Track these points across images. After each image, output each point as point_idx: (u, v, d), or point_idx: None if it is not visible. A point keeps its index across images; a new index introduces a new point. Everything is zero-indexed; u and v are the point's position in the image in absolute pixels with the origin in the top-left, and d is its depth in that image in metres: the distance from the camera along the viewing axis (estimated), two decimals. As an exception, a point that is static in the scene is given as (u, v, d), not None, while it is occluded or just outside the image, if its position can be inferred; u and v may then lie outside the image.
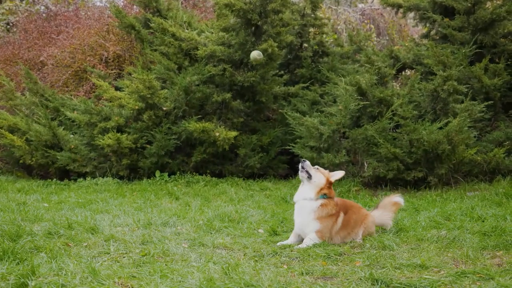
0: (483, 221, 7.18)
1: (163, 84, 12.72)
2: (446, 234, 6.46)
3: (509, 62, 12.16)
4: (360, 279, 4.82)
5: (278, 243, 6.45)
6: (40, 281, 4.62)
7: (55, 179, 12.25)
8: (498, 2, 12.60)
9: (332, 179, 6.68)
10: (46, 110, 13.02)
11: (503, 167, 10.39)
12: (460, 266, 5.17)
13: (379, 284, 4.66)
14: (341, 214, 6.62)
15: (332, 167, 10.64)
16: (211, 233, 6.89)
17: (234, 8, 11.87)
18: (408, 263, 5.28)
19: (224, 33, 12.57)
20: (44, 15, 19.04)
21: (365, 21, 21.33)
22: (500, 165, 10.40)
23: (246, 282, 4.57)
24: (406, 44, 13.97)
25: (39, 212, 7.99)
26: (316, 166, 6.80)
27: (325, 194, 6.55)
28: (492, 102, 11.39)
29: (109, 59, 14.90)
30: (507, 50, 12.22)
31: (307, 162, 6.67)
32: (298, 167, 6.73)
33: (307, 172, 6.60)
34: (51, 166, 12.63)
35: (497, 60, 12.19)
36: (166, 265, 5.29)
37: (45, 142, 12.51)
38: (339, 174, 6.80)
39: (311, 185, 6.57)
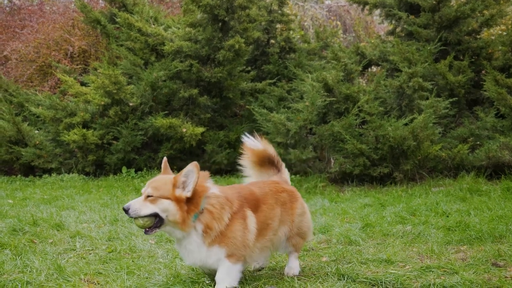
0: (447, 216, 7.26)
1: (129, 80, 12.65)
2: (411, 229, 6.52)
3: (473, 60, 12.33)
4: (327, 274, 4.84)
5: None
6: (4, 279, 4.56)
7: (19, 175, 12.12)
8: (462, 0, 12.76)
9: (185, 193, 4.50)
10: (10, 105, 12.85)
11: (467, 163, 10.51)
12: (425, 261, 5.22)
13: (345, 279, 4.69)
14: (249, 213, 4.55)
15: (299, 163, 10.67)
16: (178, 229, 6.86)
17: (201, 4, 11.83)
18: (374, 258, 5.32)
19: (191, 29, 12.53)
20: (7, 9, 18.79)
21: (332, 18, 21.42)
22: (464, 161, 10.51)
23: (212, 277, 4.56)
24: (372, 41, 14.08)
25: (3, 208, 7.89)
26: (147, 192, 4.35)
27: (195, 213, 4.35)
28: (456, 98, 11.52)
29: (75, 54, 14.77)
30: (471, 47, 12.39)
31: (132, 205, 4.27)
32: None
33: (142, 218, 4.25)
34: (15, 162, 12.47)
35: (461, 57, 12.36)
36: (132, 261, 5.26)
37: (9, 138, 12.35)
38: (192, 177, 4.71)
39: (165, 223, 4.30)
